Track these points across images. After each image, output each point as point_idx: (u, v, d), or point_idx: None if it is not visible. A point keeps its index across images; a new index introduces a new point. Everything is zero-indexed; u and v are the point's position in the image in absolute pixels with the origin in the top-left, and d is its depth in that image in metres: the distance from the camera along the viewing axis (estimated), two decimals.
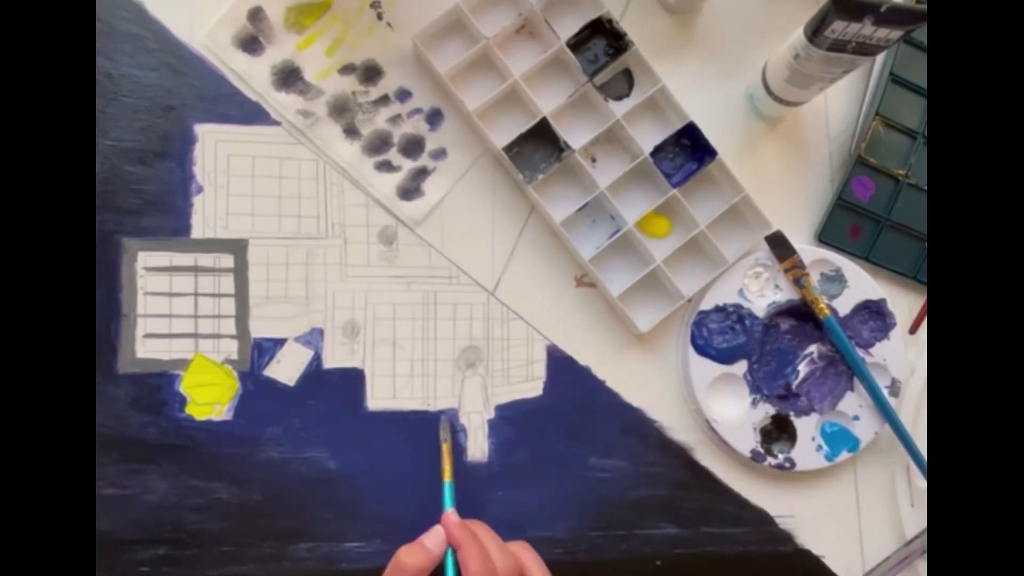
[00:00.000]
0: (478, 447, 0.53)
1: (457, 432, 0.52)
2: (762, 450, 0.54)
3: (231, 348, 0.51)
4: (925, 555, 0.56)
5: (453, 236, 0.53)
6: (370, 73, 0.52)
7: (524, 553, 0.48)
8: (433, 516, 0.52)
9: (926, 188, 0.56)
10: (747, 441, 0.54)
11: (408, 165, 0.52)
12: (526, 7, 0.51)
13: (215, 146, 0.50)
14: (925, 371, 0.56)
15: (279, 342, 0.51)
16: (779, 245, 0.54)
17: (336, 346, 0.52)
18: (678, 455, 0.55)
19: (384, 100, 0.52)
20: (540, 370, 0.53)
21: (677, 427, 0.55)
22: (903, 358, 0.56)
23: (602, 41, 0.52)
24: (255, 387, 0.51)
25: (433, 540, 0.47)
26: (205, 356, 0.50)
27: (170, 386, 0.50)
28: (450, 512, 0.48)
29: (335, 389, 0.51)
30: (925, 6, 0.42)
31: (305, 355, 0.51)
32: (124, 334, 0.50)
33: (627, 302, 0.52)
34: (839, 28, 0.44)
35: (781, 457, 0.54)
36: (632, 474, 0.54)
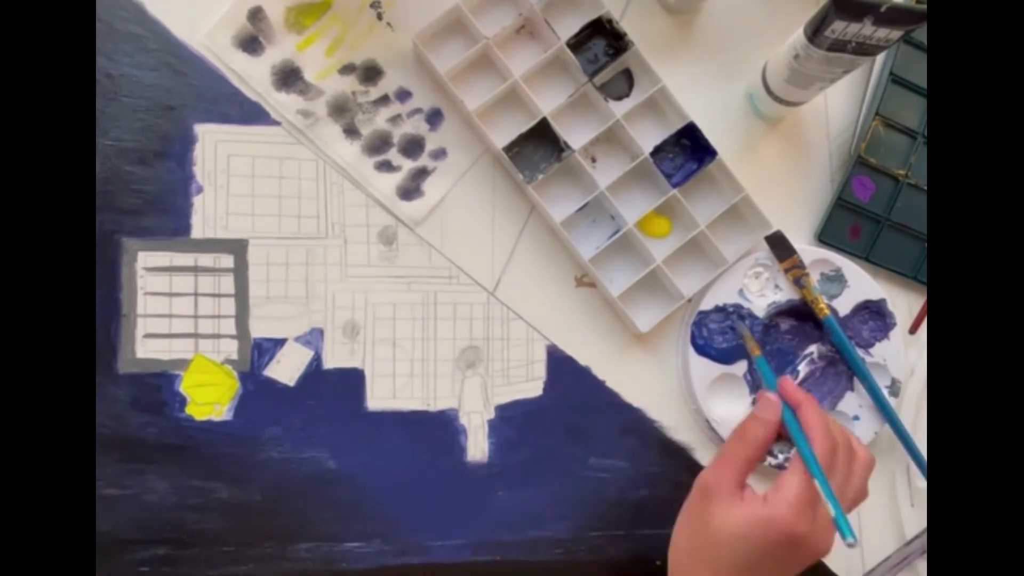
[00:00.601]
0: (478, 447, 0.53)
1: (459, 433, 0.52)
2: None
3: (231, 348, 0.51)
4: (925, 555, 0.56)
5: (453, 236, 0.53)
6: (370, 73, 0.52)
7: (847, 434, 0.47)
8: (433, 515, 0.52)
9: (926, 188, 0.56)
10: None
11: (408, 165, 0.52)
12: (526, 7, 0.51)
13: (215, 146, 0.50)
14: (925, 371, 0.56)
15: (279, 342, 0.51)
16: (779, 245, 0.54)
17: (336, 346, 0.52)
18: (678, 455, 0.55)
19: (384, 100, 0.52)
20: (540, 370, 0.53)
21: (677, 427, 0.55)
22: (903, 358, 0.56)
23: (602, 41, 0.52)
24: (255, 387, 0.51)
25: (767, 410, 0.46)
26: (205, 356, 0.50)
27: (170, 386, 0.50)
28: (785, 377, 0.47)
29: (335, 389, 0.51)
30: (925, 6, 0.42)
31: (305, 355, 0.51)
32: (124, 334, 0.50)
33: (627, 302, 0.52)
34: (839, 28, 0.44)
35: (781, 457, 0.54)
36: (632, 474, 0.54)
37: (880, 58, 0.56)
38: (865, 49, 0.46)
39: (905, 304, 0.57)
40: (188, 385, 0.50)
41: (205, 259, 0.50)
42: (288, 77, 0.51)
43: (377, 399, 0.52)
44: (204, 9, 0.50)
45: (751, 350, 0.52)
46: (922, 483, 0.56)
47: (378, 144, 0.52)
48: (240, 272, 0.51)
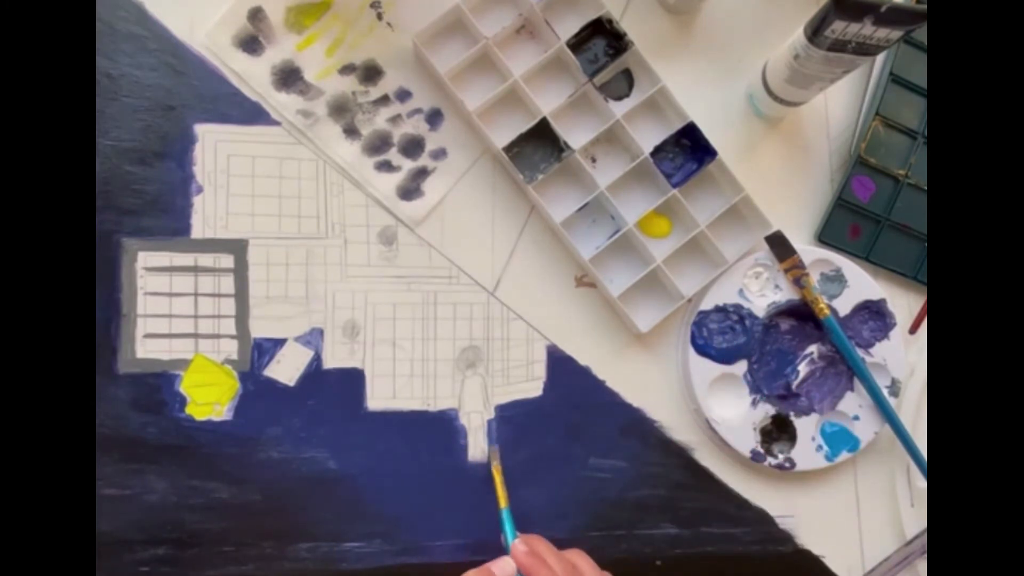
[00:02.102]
0: (478, 447, 0.53)
1: (459, 433, 0.52)
2: (762, 450, 0.54)
3: (231, 348, 0.51)
4: (925, 555, 0.56)
5: (453, 236, 0.53)
6: (370, 73, 0.52)
7: (580, 561, 0.47)
8: (433, 515, 0.52)
9: (926, 188, 0.56)
10: (747, 441, 0.54)
11: (408, 165, 0.52)
12: (526, 7, 0.51)
13: (215, 146, 0.50)
14: (925, 371, 0.56)
15: (279, 342, 0.51)
16: (779, 245, 0.54)
17: (336, 346, 0.52)
18: (678, 455, 0.55)
19: (384, 100, 0.52)
20: (540, 370, 0.53)
21: (677, 427, 0.55)
22: (903, 358, 0.56)
23: (602, 41, 0.52)
24: (255, 387, 0.51)
25: (502, 569, 0.46)
26: (205, 356, 0.50)
27: (170, 386, 0.50)
28: (517, 542, 0.47)
29: (335, 389, 0.51)
30: (925, 6, 0.42)
31: (305, 355, 0.51)
32: (124, 334, 0.50)
33: (627, 302, 0.52)
34: (839, 28, 0.44)
35: (781, 457, 0.54)
36: (632, 474, 0.54)
37: (880, 58, 0.56)
38: (865, 49, 0.46)
39: (905, 304, 0.57)
40: (188, 385, 0.50)
41: (205, 259, 0.50)
42: (288, 77, 0.51)
43: (377, 399, 0.52)
44: (204, 9, 0.50)
45: (500, 500, 0.50)
46: (922, 483, 0.56)
47: (378, 144, 0.52)
48: (240, 272, 0.51)
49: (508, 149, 0.51)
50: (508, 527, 0.48)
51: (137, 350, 0.50)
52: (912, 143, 0.56)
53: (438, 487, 0.52)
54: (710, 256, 0.54)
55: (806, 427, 0.54)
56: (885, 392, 0.55)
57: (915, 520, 0.56)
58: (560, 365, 0.54)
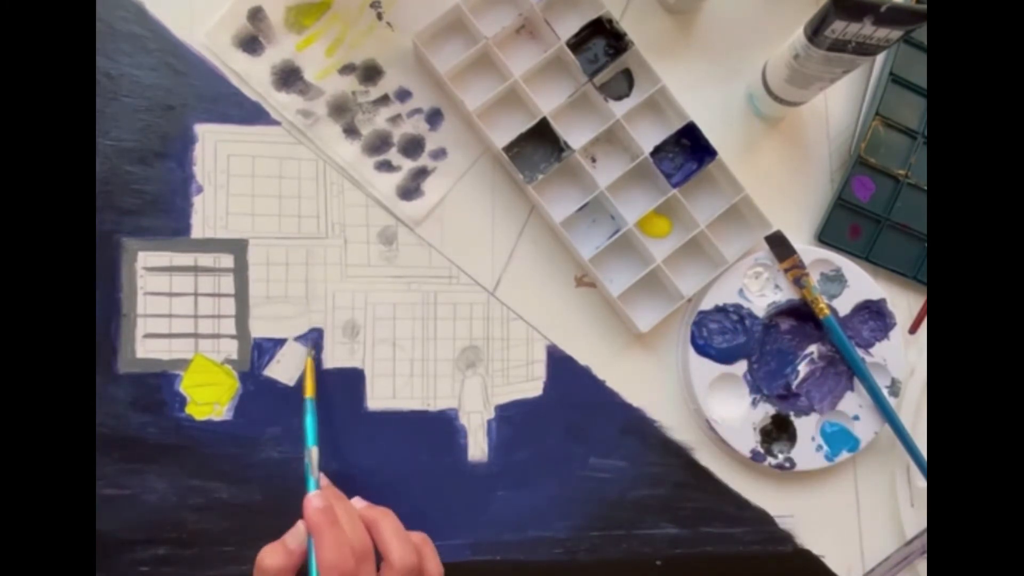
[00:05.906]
0: (478, 447, 0.53)
1: (459, 433, 0.52)
2: (762, 450, 0.54)
3: (231, 348, 0.51)
4: (925, 555, 0.56)
5: (453, 236, 0.53)
6: (370, 73, 0.52)
7: (384, 522, 0.45)
8: (433, 515, 0.52)
9: (926, 188, 0.56)
10: (747, 441, 0.54)
11: (408, 165, 0.52)
12: (526, 7, 0.51)
13: (215, 146, 0.50)
14: (925, 371, 0.56)
15: (279, 342, 0.51)
16: (779, 245, 0.54)
17: (336, 346, 0.52)
18: (678, 455, 0.55)
19: (384, 100, 0.52)
20: (540, 370, 0.53)
21: (677, 427, 0.55)
22: (903, 358, 0.56)
23: (602, 41, 0.52)
24: (255, 387, 0.51)
25: (294, 538, 0.44)
26: (205, 356, 0.50)
27: (170, 386, 0.50)
28: (313, 495, 0.43)
29: (335, 389, 0.51)
30: (925, 6, 0.42)
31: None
32: (124, 334, 0.50)
33: (627, 302, 0.52)
34: (839, 28, 0.44)
35: (781, 457, 0.54)
36: (632, 474, 0.54)
37: (880, 58, 0.56)
38: (865, 49, 0.46)
39: (905, 304, 0.57)
40: (188, 385, 0.50)
41: (205, 259, 0.50)
42: (288, 77, 0.51)
43: (377, 399, 0.52)
44: (204, 9, 0.50)
45: (305, 389, 0.48)
46: (922, 483, 0.56)
47: (378, 144, 0.52)
48: (240, 272, 0.51)
49: (508, 149, 0.51)
50: (310, 423, 0.44)
51: (137, 350, 0.50)
52: (912, 143, 0.56)
53: (438, 487, 0.52)
54: (710, 256, 0.54)
55: (806, 427, 0.54)
56: (885, 392, 0.55)
57: (915, 520, 0.56)
58: (560, 365, 0.54)
